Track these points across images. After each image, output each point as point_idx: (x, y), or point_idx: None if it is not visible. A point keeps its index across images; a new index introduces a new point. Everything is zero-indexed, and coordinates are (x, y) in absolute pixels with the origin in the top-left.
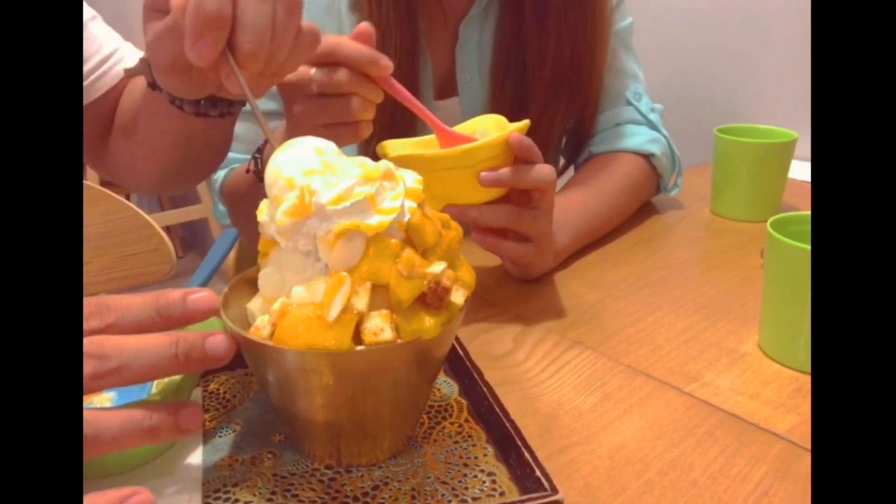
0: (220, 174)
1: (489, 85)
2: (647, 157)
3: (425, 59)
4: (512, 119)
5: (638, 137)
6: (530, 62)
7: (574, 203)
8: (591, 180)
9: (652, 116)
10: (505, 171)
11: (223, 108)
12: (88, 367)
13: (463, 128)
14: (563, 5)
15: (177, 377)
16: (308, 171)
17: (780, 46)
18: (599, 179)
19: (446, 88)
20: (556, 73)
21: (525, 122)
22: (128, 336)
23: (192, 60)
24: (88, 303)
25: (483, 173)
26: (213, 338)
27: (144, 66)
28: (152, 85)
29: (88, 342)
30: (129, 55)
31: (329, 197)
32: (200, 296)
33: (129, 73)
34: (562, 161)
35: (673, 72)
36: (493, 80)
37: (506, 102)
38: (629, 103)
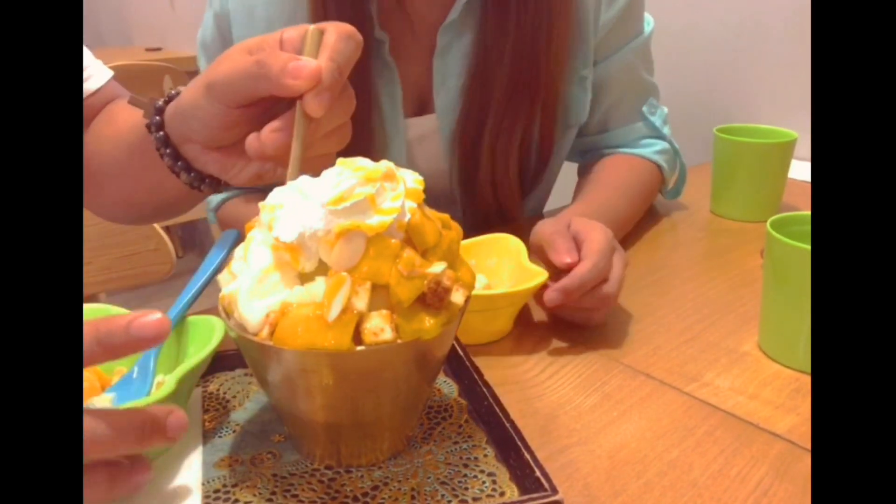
0: (214, 197)
1: (462, 94)
2: (658, 165)
3: (390, 74)
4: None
5: (649, 148)
6: (490, 60)
7: (602, 201)
8: (613, 180)
9: (665, 130)
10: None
11: (194, 179)
12: None
13: (476, 242)
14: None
15: (176, 376)
16: (267, 227)
17: (780, 46)
18: (621, 179)
19: (424, 104)
20: (513, 72)
21: (545, 276)
22: None
23: (309, 109)
24: None
25: (548, 297)
26: (140, 321)
27: (150, 106)
28: (149, 126)
29: None
30: (97, 74)
31: (327, 198)
32: (148, 320)
33: (133, 103)
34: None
35: (673, 72)
36: (466, 89)
37: (472, 110)
38: (644, 118)
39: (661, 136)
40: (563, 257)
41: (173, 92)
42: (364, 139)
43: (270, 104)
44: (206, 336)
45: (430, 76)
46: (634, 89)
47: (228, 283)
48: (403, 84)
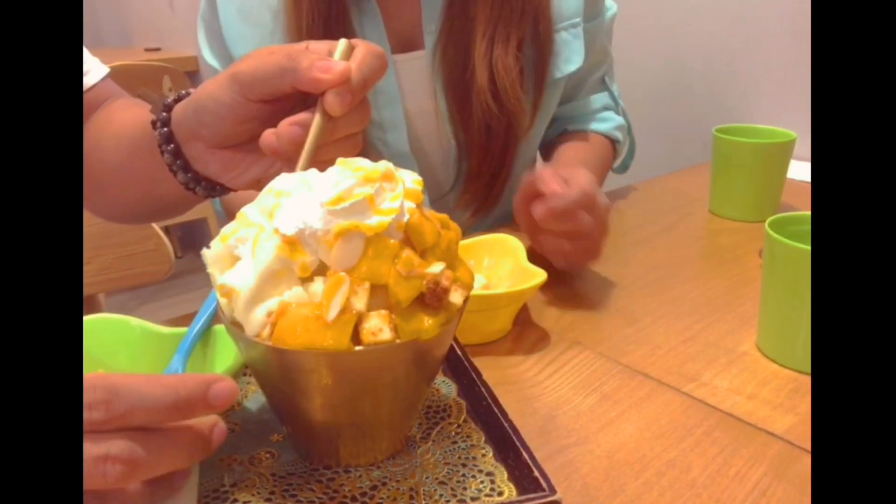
0: None
1: (445, 9)
2: (613, 141)
3: (368, 6)
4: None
5: (609, 123)
6: None
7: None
8: (583, 154)
9: (621, 102)
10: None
11: (191, 180)
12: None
13: (475, 242)
14: None
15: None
16: (268, 213)
17: (780, 46)
18: (589, 153)
19: (411, 40)
20: None
21: (544, 276)
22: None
23: (329, 107)
24: (94, 386)
25: (539, 212)
26: (217, 387)
27: (159, 101)
28: (154, 122)
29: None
30: (94, 70)
31: (326, 198)
32: (222, 385)
33: (142, 96)
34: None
35: (672, 71)
36: (444, 16)
37: (457, 23)
38: (606, 88)
39: (617, 107)
40: (551, 185)
41: (183, 92)
42: None
43: (288, 106)
44: (231, 344)
45: (415, 12)
46: (603, 59)
47: (223, 261)
48: (388, 20)
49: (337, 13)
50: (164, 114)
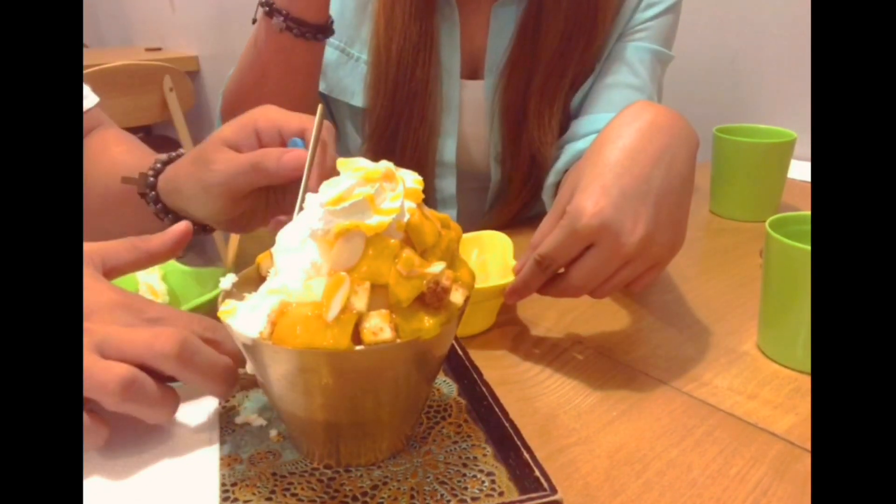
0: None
1: (516, 35)
2: None
3: (451, 28)
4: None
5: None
6: (545, 8)
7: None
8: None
9: None
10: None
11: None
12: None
13: (464, 238)
14: None
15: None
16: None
17: (780, 46)
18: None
19: (476, 70)
20: (569, 17)
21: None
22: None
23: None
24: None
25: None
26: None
27: (142, 180)
28: (144, 195)
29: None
30: (88, 97)
31: (326, 198)
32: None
33: (126, 182)
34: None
35: (672, 71)
36: (520, 28)
37: (526, 50)
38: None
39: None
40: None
41: (158, 165)
42: (422, 93)
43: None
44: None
45: (485, 38)
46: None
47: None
48: (464, 43)
49: (427, 28)
50: (153, 192)
